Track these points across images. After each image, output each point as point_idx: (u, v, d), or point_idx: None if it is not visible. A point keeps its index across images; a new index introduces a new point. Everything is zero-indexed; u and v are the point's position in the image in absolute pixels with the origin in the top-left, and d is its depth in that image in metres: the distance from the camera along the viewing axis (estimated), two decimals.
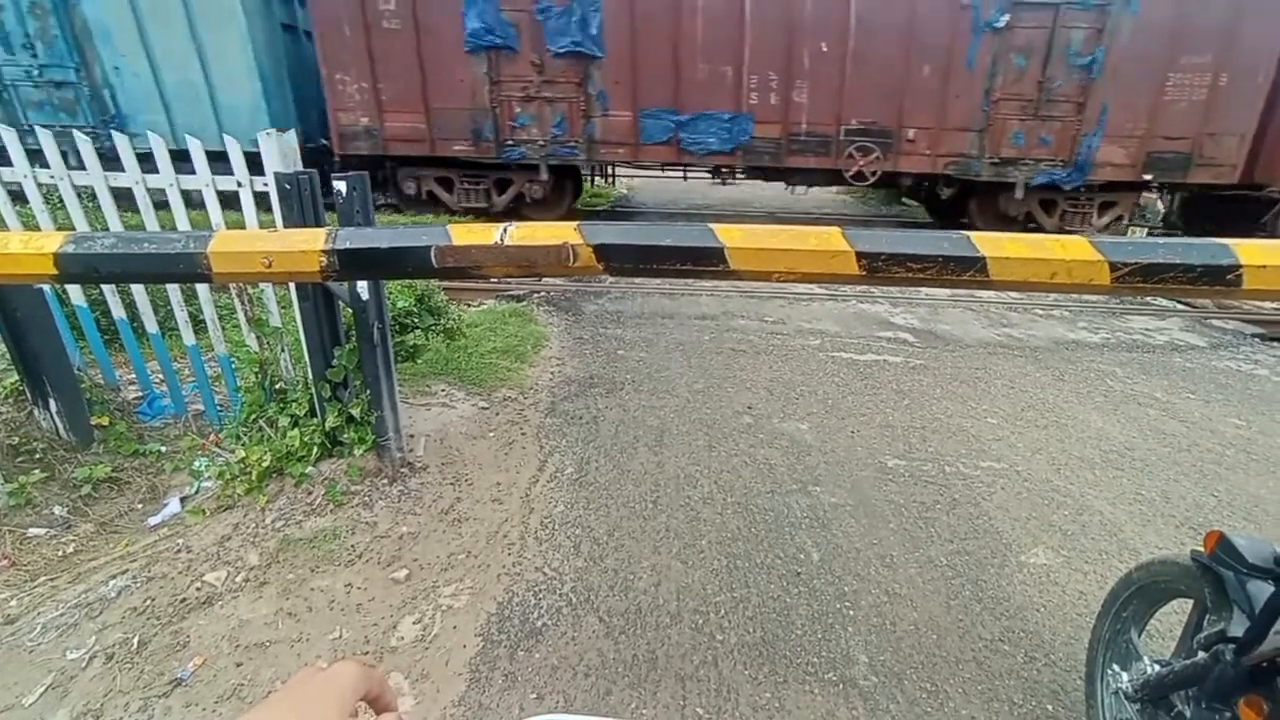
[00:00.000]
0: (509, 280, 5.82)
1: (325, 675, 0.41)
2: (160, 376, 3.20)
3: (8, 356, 2.74)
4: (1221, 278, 1.06)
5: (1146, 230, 9.38)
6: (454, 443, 3.09)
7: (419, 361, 3.46)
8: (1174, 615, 1.59)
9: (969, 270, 1.15)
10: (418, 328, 3.16)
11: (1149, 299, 6.16)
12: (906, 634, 2.01)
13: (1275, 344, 5.19)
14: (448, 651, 1.90)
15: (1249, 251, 1.07)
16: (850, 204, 14.56)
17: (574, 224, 1.24)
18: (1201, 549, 1.20)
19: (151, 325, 2.98)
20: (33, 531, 2.37)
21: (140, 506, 2.61)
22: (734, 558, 2.35)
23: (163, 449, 2.92)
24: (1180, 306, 6.08)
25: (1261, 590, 1.00)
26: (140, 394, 3.25)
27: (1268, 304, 5.73)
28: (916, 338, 5.03)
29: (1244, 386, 4.22)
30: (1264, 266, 1.06)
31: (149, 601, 2.02)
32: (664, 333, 4.91)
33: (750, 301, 5.79)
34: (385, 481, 2.70)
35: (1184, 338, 5.32)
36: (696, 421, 3.43)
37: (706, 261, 1.21)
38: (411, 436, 3.04)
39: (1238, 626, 1.03)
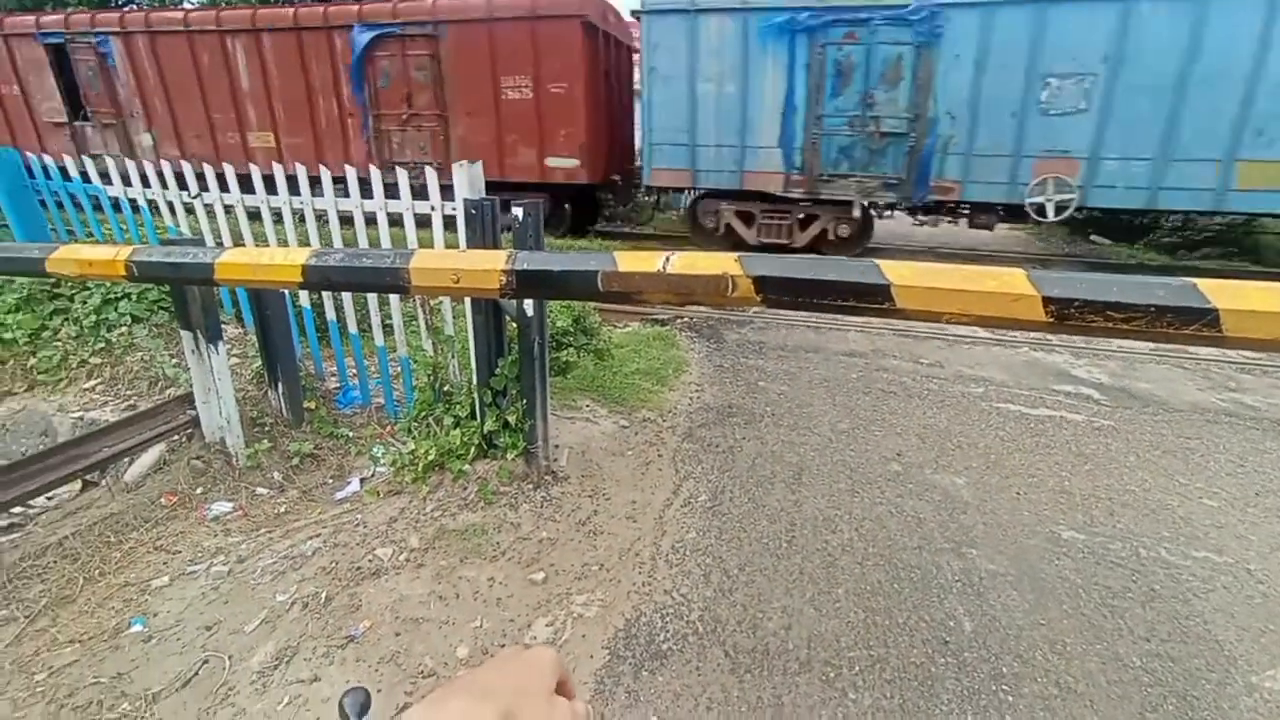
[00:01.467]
0: (669, 305, 5.99)
1: (531, 654, 0.44)
2: (354, 371, 3.72)
3: (256, 346, 3.36)
4: None
5: None
6: (595, 457, 3.23)
7: (569, 377, 3.67)
8: None
9: (1194, 324, 0.99)
10: (572, 346, 3.37)
11: None
12: None
13: None
14: (575, 659, 1.97)
15: None
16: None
17: (734, 255, 1.26)
18: None
19: (353, 327, 3.49)
20: (260, 490, 2.87)
21: (331, 481, 3.04)
22: (873, 613, 2.18)
23: (350, 434, 3.38)
24: None
25: None
26: (338, 385, 3.80)
27: None
28: (1104, 395, 4.36)
29: None
30: None
31: (334, 564, 2.34)
32: (808, 367, 4.74)
33: (904, 340, 5.41)
34: (531, 486, 2.89)
35: None
36: (839, 463, 3.25)
37: (870, 298, 1.17)
38: (557, 447, 3.23)
39: None
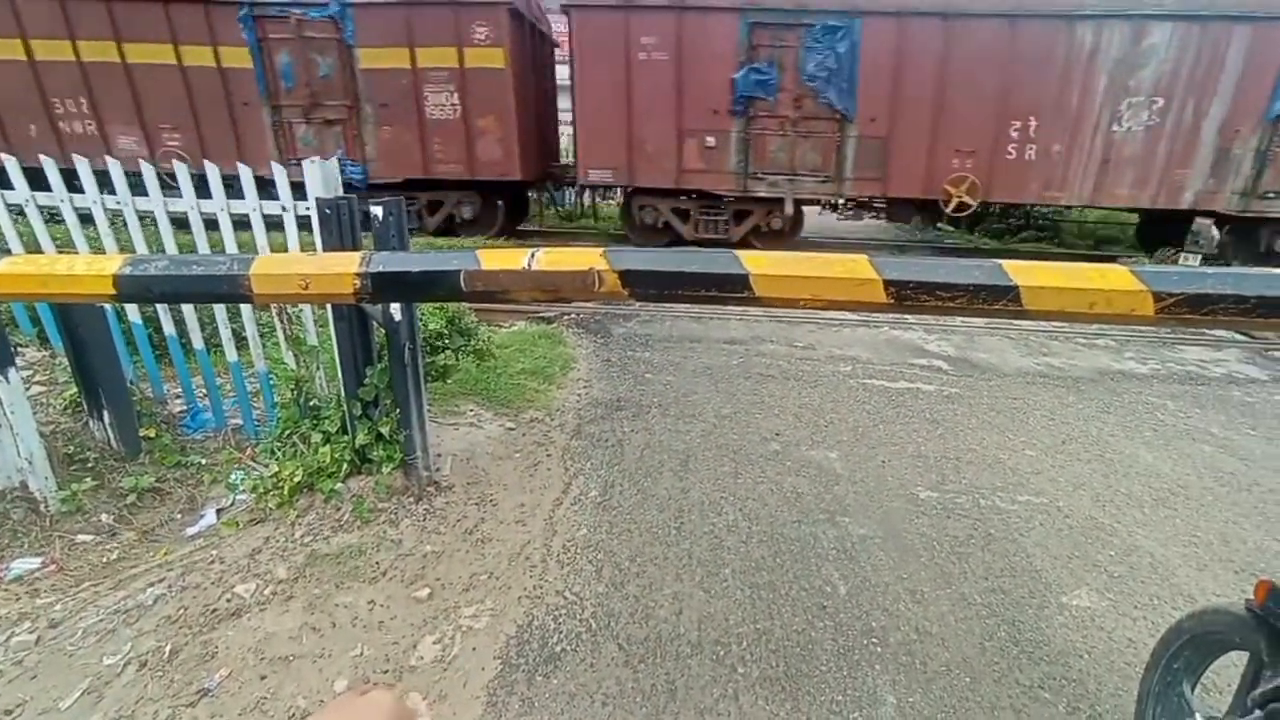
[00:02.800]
0: (538, 303, 5.90)
1: (363, 704, 0.41)
2: (204, 391, 3.32)
3: (68, 369, 2.88)
4: None
5: (1200, 258, 9.01)
6: (480, 463, 3.12)
7: (449, 381, 3.51)
8: (1232, 668, 1.49)
9: (1001, 300, 1.12)
10: (448, 348, 3.23)
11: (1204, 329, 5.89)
12: (938, 675, 1.93)
13: None
14: (466, 674, 1.89)
15: None
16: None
17: (600, 249, 1.26)
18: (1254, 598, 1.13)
19: (198, 342, 3.10)
20: (81, 537, 2.46)
21: (180, 516, 2.69)
22: (758, 588, 2.30)
23: (203, 461, 3.02)
24: (1239, 337, 5.80)
25: None
26: (185, 407, 3.37)
27: None
28: (951, 366, 4.91)
29: None
30: None
31: (182, 611, 2.07)
32: (691, 356, 4.90)
33: (780, 326, 5.75)
34: (411, 500, 2.74)
35: (1243, 370, 5.07)
36: (723, 447, 3.39)
37: (731, 288, 1.21)
38: (439, 455, 3.08)
39: None
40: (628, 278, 1.22)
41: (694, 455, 3.29)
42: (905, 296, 1.15)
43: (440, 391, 3.68)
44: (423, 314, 3.02)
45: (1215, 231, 9.08)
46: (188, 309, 3.10)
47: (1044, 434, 3.68)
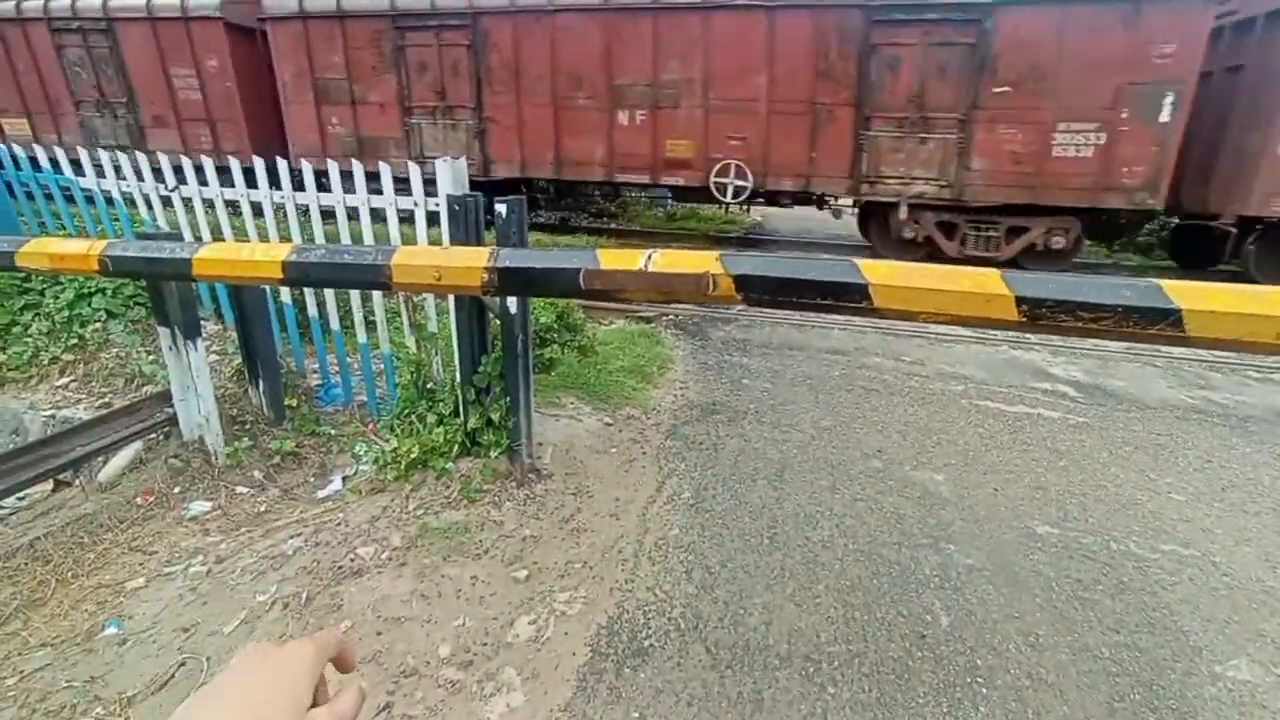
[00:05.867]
0: (651, 303, 6.00)
1: (281, 656, 0.37)
2: (337, 368, 3.68)
3: (236, 342, 3.31)
4: None
5: None
6: (578, 454, 3.23)
7: (553, 374, 3.67)
8: None
9: (1159, 323, 1.02)
10: (555, 342, 3.37)
11: None
12: None
13: None
14: (558, 656, 1.97)
15: None
16: None
17: (716, 253, 1.27)
18: None
19: (335, 323, 3.45)
20: (240, 489, 2.83)
21: (313, 479, 3.01)
22: (852, 608, 2.21)
23: (333, 431, 3.35)
24: None
25: None
26: (320, 382, 3.76)
27: None
28: (1080, 392, 4.45)
29: None
30: None
31: (315, 563, 2.32)
32: (791, 365, 4.78)
33: (886, 339, 5.48)
34: (514, 484, 2.89)
35: None
36: (820, 460, 3.29)
37: (848, 297, 1.18)
38: (540, 444, 3.23)
39: None
40: (742, 282, 1.22)
41: (790, 466, 3.21)
42: (1040, 316, 1.08)
43: (544, 383, 3.84)
44: (534, 307, 3.17)
45: None
46: (328, 294, 3.46)
47: (1197, 478, 3.25)
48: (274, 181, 3.24)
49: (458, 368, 2.98)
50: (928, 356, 5.12)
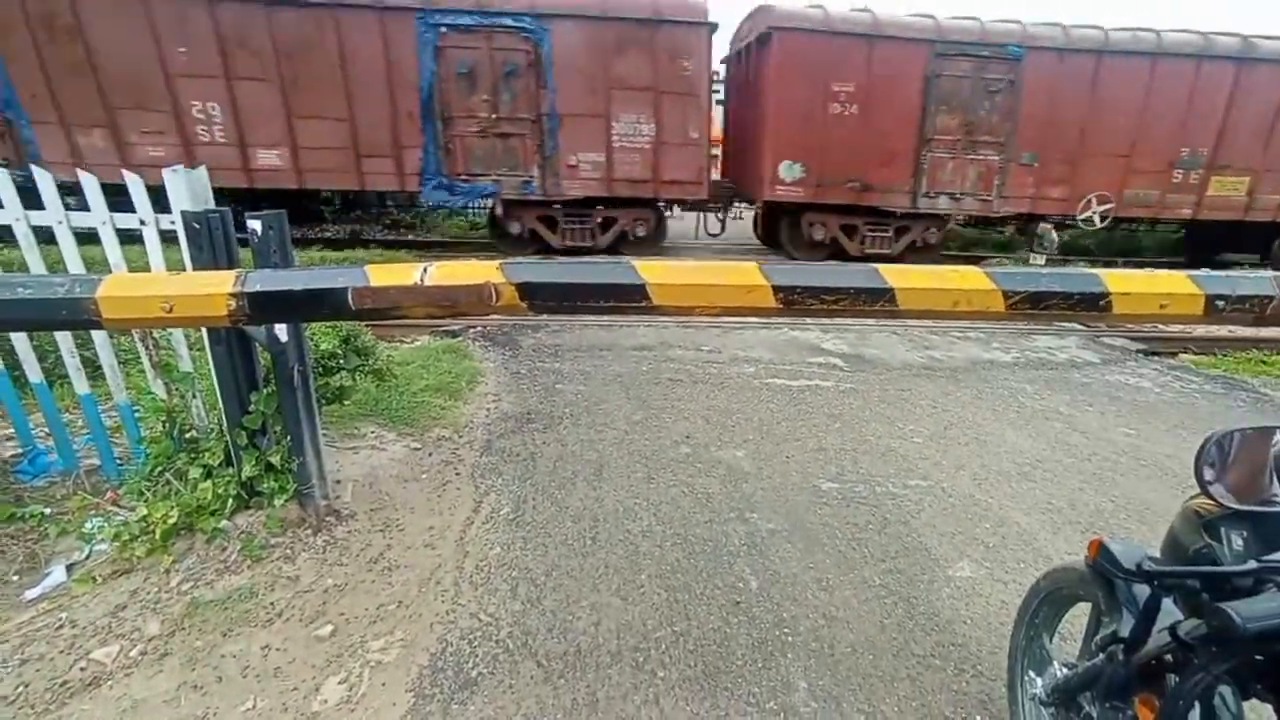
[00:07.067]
0: (434, 319, 5.69)
1: None
2: (46, 430, 2.92)
3: None
4: (1095, 304, 1.18)
5: (1045, 259, 10.21)
6: (384, 487, 2.96)
7: (346, 403, 3.31)
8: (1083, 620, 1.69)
9: (879, 301, 1.22)
10: (344, 369, 3.04)
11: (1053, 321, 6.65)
12: (844, 656, 2.04)
13: (1154, 358, 5.73)
14: (376, 711, 1.78)
15: (1116, 280, 1.19)
16: None
17: (496, 262, 1.24)
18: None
19: (35, 374, 2.73)
20: None
21: (16, 579, 2.35)
22: (674, 590, 2.33)
23: (46, 511, 2.65)
24: (1079, 326, 6.60)
25: (1144, 593, 1.09)
26: (19, 451, 2.95)
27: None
28: (846, 362, 5.24)
29: (1132, 398, 4.61)
30: (1128, 294, 1.19)
31: (21, 689, 1.80)
32: (602, 365, 4.92)
33: (687, 331, 5.90)
34: (309, 532, 2.55)
35: (1081, 354, 5.79)
36: (635, 453, 3.42)
37: (629, 298, 1.23)
38: (338, 482, 2.90)
39: (1126, 628, 1.11)
40: (525, 290, 1.21)
41: (607, 464, 3.29)
42: (793, 301, 1.23)
43: (337, 414, 3.46)
44: (313, 334, 2.83)
45: (1056, 235, 10.32)
46: (19, 336, 2.72)
47: (929, 421, 4.02)
48: None
49: (223, 410, 2.54)
50: (723, 344, 5.63)
